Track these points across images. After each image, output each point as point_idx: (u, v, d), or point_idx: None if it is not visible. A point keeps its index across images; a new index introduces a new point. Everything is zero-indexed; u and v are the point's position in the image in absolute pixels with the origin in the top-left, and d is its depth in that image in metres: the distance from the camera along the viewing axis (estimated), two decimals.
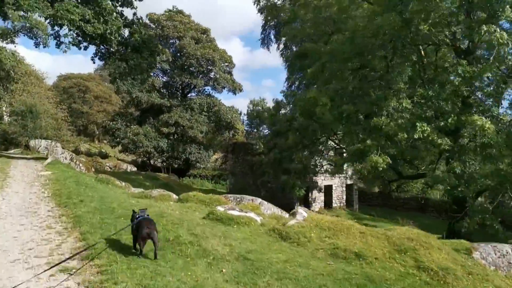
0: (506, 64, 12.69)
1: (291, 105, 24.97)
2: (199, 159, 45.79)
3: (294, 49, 52.26)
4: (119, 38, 18.62)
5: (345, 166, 30.47)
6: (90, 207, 9.28)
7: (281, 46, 52.75)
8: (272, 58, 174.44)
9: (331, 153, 28.49)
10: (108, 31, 17.61)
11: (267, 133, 62.79)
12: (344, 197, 34.06)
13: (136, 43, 19.05)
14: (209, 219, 9.08)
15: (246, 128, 57.02)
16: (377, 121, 14.13)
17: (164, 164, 46.20)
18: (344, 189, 34.08)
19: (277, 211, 11.64)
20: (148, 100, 43.39)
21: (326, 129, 18.93)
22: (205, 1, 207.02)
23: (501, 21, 13.48)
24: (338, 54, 16.63)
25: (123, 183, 14.39)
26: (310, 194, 30.73)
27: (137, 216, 6.67)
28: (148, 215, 6.71)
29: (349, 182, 34.38)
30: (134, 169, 35.22)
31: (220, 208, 9.39)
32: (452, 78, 15.03)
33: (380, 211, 36.74)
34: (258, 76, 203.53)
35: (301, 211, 9.17)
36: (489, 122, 11.80)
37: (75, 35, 19.15)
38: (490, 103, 13.47)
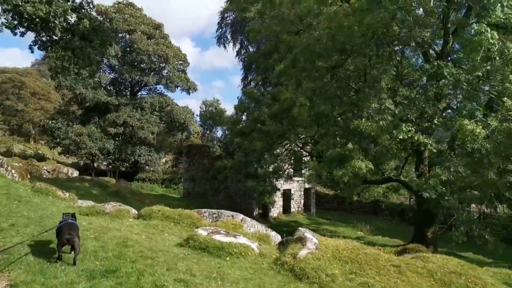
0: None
1: (253, 105, 23.70)
2: (149, 162, 42.99)
3: (251, 50, 51.35)
4: (65, 24, 15.99)
5: (303, 170, 29.82)
6: (25, 235, 6.69)
7: (238, 45, 51.68)
8: (223, 59, 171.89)
9: (307, 158, 27.54)
10: (52, 13, 14.97)
11: (222, 135, 61.17)
12: (302, 201, 33.33)
13: (85, 30, 16.48)
14: (190, 248, 7.15)
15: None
16: (358, 123, 13.25)
17: (110, 167, 42.81)
18: (302, 193, 33.36)
19: (261, 228, 10.06)
20: (94, 97, 39.85)
21: (294, 131, 17.87)
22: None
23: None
24: (315, 49, 15.58)
25: (67, 194, 12.07)
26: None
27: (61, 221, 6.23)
28: (72, 220, 6.25)
29: (307, 186, 33.72)
30: (76, 173, 31.82)
31: (202, 232, 7.47)
32: (428, 81, 14.64)
33: (336, 215, 36.54)
34: (208, 77, 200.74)
35: (310, 236, 7.46)
36: (480, 127, 11.35)
37: (10, 18, 16.31)
38: (474, 106, 13.14)
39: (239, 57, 51.80)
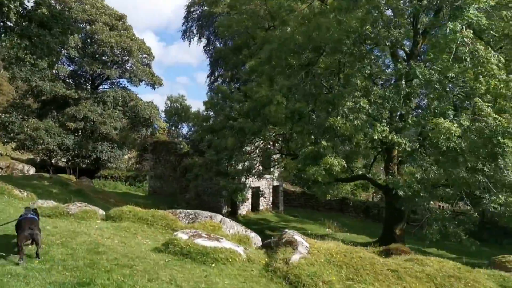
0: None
1: (223, 102, 23.08)
2: (111, 159, 41.24)
3: (218, 45, 50.51)
4: (20, 9, 14.59)
5: (272, 168, 29.64)
6: None
7: (204, 40, 50.65)
8: (187, 54, 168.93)
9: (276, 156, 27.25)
10: None
11: (188, 132, 59.91)
12: (271, 199, 33.19)
13: (44, 17, 15.11)
14: (171, 254, 6.55)
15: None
16: (333, 120, 13.13)
17: (69, 163, 40.69)
18: (271, 190, 33.20)
19: (240, 230, 9.57)
20: (52, 90, 37.58)
21: (267, 129, 17.56)
22: None
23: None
24: (289, 46, 15.30)
25: (25, 193, 11.06)
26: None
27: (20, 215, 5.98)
28: (32, 214, 6.00)
29: (275, 183, 33.62)
30: (33, 170, 29.85)
31: (182, 236, 6.81)
32: (398, 80, 14.81)
33: (303, 212, 36.79)
34: (172, 73, 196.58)
35: (301, 239, 6.96)
36: (456, 125, 11.52)
37: None
38: (445, 105, 13.37)
39: (206, 53, 50.87)
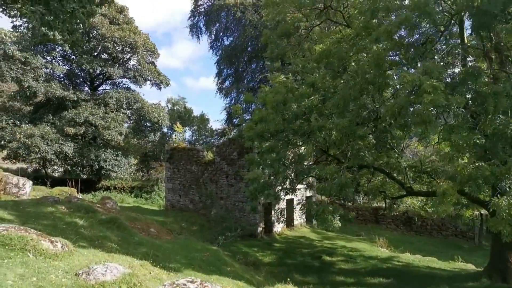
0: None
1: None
2: (116, 168, 36.74)
3: (226, 42, 46.49)
4: None
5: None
6: None
7: (212, 36, 46.61)
8: (174, 59, 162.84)
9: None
10: None
11: (191, 136, 55.60)
12: (305, 211, 29.19)
13: None
14: None
15: (165, 130, 49.06)
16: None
17: (68, 173, 36.04)
18: (305, 202, 29.22)
19: None
20: (47, 91, 32.98)
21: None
22: None
23: None
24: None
25: (58, 243, 6.77)
26: (272, 212, 25.13)
27: None
28: None
29: (308, 193, 29.69)
30: (29, 184, 25.19)
31: None
32: None
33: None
34: None
35: None
36: None
37: None
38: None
39: (212, 50, 46.82)
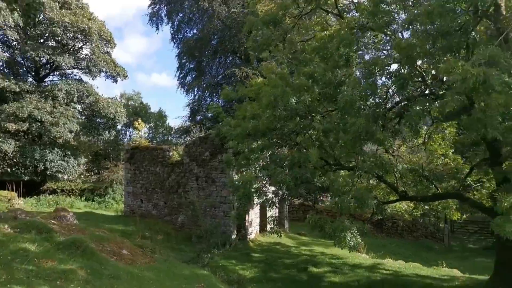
0: None
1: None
2: (64, 169, 32.79)
3: (189, 34, 43.80)
4: None
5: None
6: None
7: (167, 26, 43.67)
8: (125, 53, 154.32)
9: None
10: None
11: (148, 133, 52.05)
12: (277, 215, 27.52)
13: None
14: None
15: (119, 127, 45.41)
16: None
17: (7, 175, 31.59)
18: (277, 205, 27.52)
19: None
20: None
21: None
22: None
23: None
24: None
25: None
26: (247, 216, 23.16)
27: None
28: None
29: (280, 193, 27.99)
30: None
31: None
32: None
33: (307, 228, 31.42)
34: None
35: None
36: None
37: None
38: None
39: (174, 42, 43.88)
